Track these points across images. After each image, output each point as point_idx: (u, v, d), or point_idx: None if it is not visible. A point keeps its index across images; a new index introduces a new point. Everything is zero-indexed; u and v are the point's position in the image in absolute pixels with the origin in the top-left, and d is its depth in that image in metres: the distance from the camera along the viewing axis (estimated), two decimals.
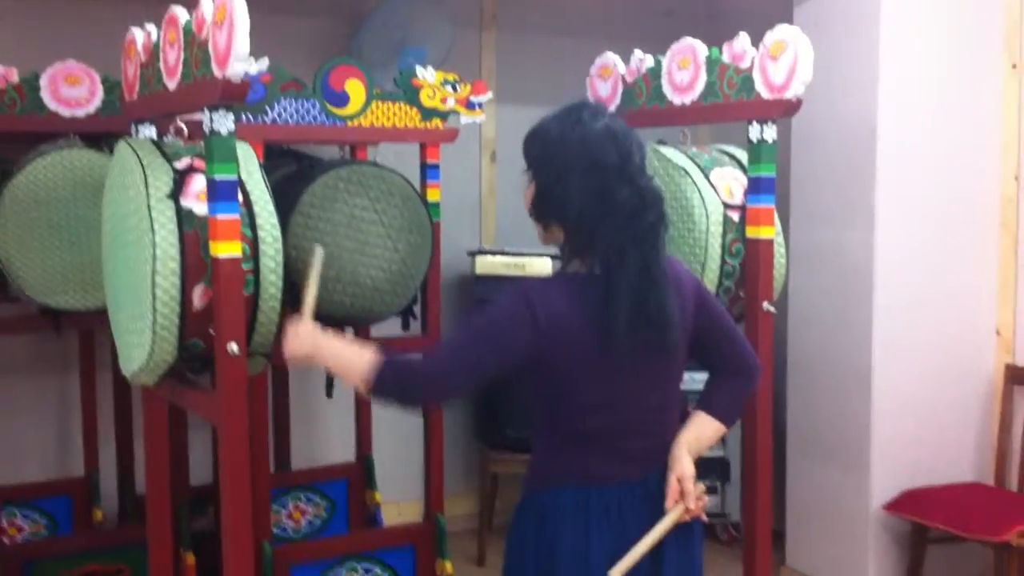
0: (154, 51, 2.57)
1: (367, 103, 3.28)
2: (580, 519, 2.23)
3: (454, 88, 3.41)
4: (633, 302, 2.15)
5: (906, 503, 3.94)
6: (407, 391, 2.21)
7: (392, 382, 2.18)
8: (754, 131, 2.93)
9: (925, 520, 3.85)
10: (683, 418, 2.36)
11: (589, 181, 2.16)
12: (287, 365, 2.34)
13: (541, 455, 2.31)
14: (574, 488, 2.24)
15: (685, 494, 2.23)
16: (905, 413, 4.04)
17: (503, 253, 4.57)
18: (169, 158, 2.51)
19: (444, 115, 3.42)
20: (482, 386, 2.22)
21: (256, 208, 2.51)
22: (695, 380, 2.46)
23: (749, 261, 3.02)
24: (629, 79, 3.35)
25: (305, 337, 2.28)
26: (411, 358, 2.22)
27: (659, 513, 2.23)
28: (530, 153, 2.28)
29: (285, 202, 2.94)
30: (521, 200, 2.31)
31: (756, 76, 2.91)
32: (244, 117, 3.06)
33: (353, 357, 2.21)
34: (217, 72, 2.21)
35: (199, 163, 2.46)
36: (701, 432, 2.32)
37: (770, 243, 3.01)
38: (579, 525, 2.23)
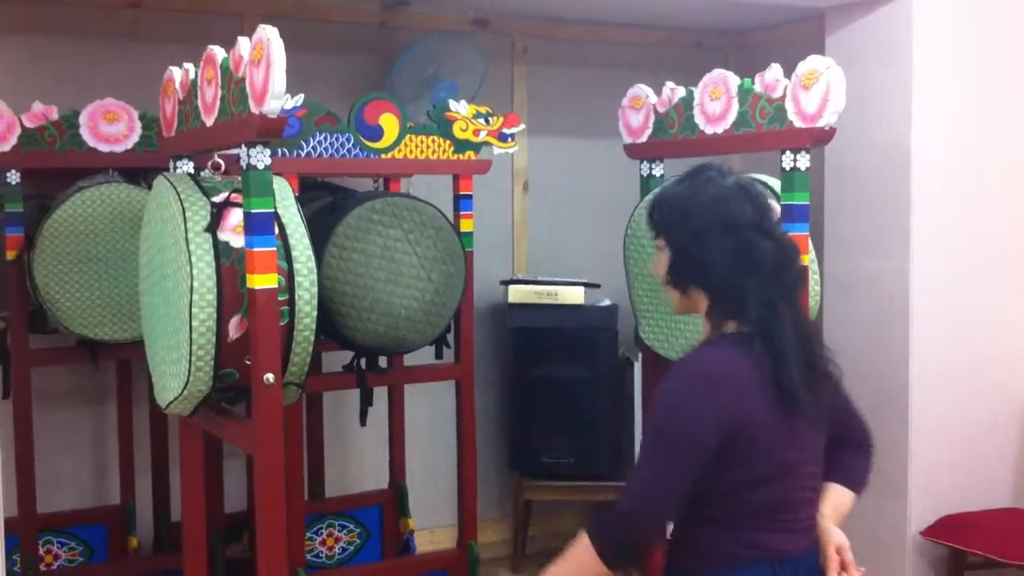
0: (192, 88, 2.61)
1: (401, 136, 3.31)
2: None
3: (487, 121, 3.44)
4: (798, 358, 2.07)
5: (943, 529, 3.90)
6: (629, 540, 2.07)
7: (612, 545, 2.06)
8: (787, 160, 2.94)
9: (963, 546, 3.82)
10: None
11: (728, 238, 2.09)
12: None
13: (712, 533, 2.11)
14: (760, 565, 2.09)
15: (847, 565, 2.15)
16: (942, 439, 4.01)
17: (535, 282, 4.59)
18: (206, 192, 2.54)
19: (477, 147, 3.45)
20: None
21: (291, 241, 2.54)
22: None
23: None
24: (661, 109, 3.36)
25: None
26: (609, 512, 2.10)
27: None
28: (661, 219, 2.19)
29: (320, 234, 2.97)
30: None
31: (789, 105, 2.91)
32: (280, 151, 3.10)
33: (571, 559, 2.10)
34: (254, 109, 2.25)
35: (236, 197, 2.49)
36: (838, 503, 2.23)
37: (804, 271, 3.00)
38: None
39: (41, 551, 3.81)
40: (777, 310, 2.08)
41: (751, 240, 2.10)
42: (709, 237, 2.09)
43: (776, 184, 3.11)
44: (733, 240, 2.09)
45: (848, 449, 2.29)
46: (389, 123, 3.29)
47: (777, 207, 2.18)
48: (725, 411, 2.02)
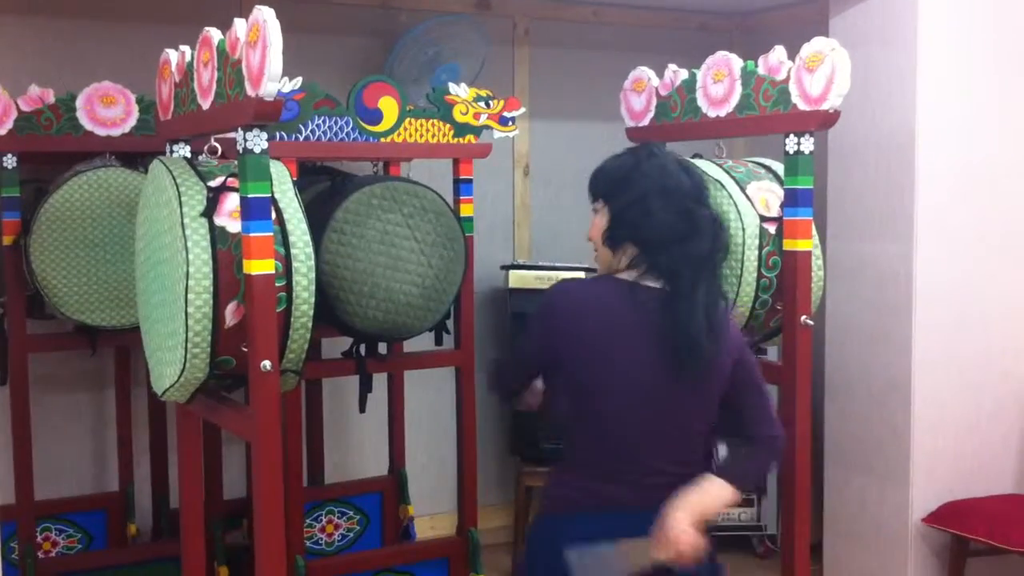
0: (188, 71, 2.58)
1: (400, 120, 3.28)
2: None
3: (487, 104, 3.41)
4: (703, 321, 2.21)
5: (946, 515, 3.89)
6: (495, 387, 2.59)
7: (493, 386, 2.60)
8: (791, 143, 2.91)
9: (965, 532, 3.80)
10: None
11: (669, 202, 2.26)
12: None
13: (555, 475, 2.40)
14: (590, 515, 2.28)
15: (668, 541, 2.18)
16: (945, 425, 4.00)
17: (536, 267, 4.56)
18: (203, 177, 2.51)
19: (477, 131, 3.42)
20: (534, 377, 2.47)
21: (289, 226, 2.51)
22: None
23: (787, 274, 2.99)
24: (663, 92, 3.33)
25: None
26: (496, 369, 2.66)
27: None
28: (600, 185, 2.39)
29: (319, 219, 2.95)
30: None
31: (792, 88, 2.88)
32: (278, 135, 3.07)
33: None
34: (251, 92, 2.22)
35: (232, 182, 2.46)
36: (706, 494, 2.25)
37: (808, 255, 2.98)
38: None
39: (39, 538, 3.81)
40: (700, 275, 2.24)
41: (690, 208, 2.27)
42: (650, 199, 2.26)
43: (779, 168, 3.09)
44: (673, 205, 2.26)
45: (743, 447, 2.33)
46: (388, 106, 3.26)
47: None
48: (556, 334, 2.27)
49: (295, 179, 2.71)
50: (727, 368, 2.29)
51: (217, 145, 2.64)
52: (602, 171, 2.40)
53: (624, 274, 2.30)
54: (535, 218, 4.94)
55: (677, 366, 2.22)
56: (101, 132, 3.44)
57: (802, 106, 2.86)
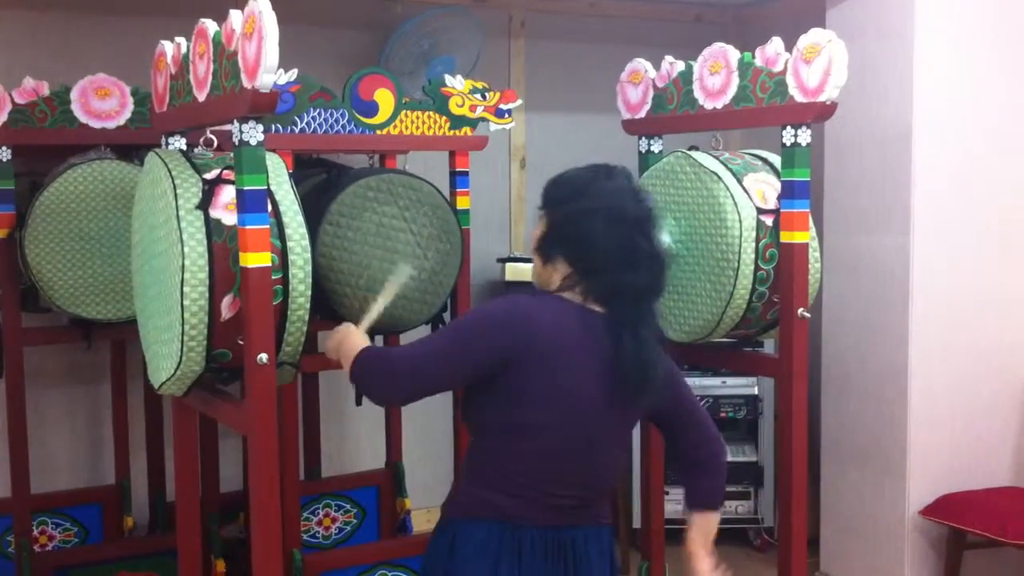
0: (184, 63, 2.57)
1: (396, 112, 3.27)
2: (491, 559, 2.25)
3: (483, 96, 3.40)
4: (642, 353, 2.22)
5: (942, 508, 3.89)
6: (369, 385, 2.31)
7: (358, 372, 2.28)
8: (787, 135, 2.90)
9: (962, 525, 3.81)
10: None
11: (611, 227, 2.22)
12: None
13: (469, 482, 2.34)
14: (488, 523, 2.27)
15: None
16: (942, 418, 4.00)
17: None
18: (198, 169, 2.50)
19: (473, 123, 3.41)
20: (447, 389, 2.42)
21: (285, 219, 2.50)
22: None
23: (783, 266, 2.98)
24: (660, 84, 3.32)
25: (340, 332, 2.41)
26: (390, 350, 2.40)
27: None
28: (548, 193, 2.36)
29: (314, 212, 2.94)
30: None
31: (789, 80, 2.87)
32: (273, 127, 3.06)
33: (353, 345, 2.32)
34: (246, 83, 2.21)
35: (228, 174, 2.45)
36: (706, 528, 2.42)
37: (804, 248, 2.97)
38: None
39: (35, 532, 3.80)
40: (641, 305, 2.24)
41: (631, 237, 2.23)
42: (592, 218, 2.22)
43: (776, 160, 3.08)
44: (615, 231, 2.22)
45: (698, 473, 2.44)
46: (384, 99, 3.25)
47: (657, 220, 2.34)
48: (515, 342, 2.17)
49: (291, 171, 2.70)
50: (658, 402, 2.34)
51: (213, 137, 2.63)
52: (555, 180, 2.37)
53: (568, 294, 2.26)
54: (531, 211, 4.93)
55: (618, 396, 2.24)
56: (96, 124, 3.43)
57: (799, 98, 2.86)
